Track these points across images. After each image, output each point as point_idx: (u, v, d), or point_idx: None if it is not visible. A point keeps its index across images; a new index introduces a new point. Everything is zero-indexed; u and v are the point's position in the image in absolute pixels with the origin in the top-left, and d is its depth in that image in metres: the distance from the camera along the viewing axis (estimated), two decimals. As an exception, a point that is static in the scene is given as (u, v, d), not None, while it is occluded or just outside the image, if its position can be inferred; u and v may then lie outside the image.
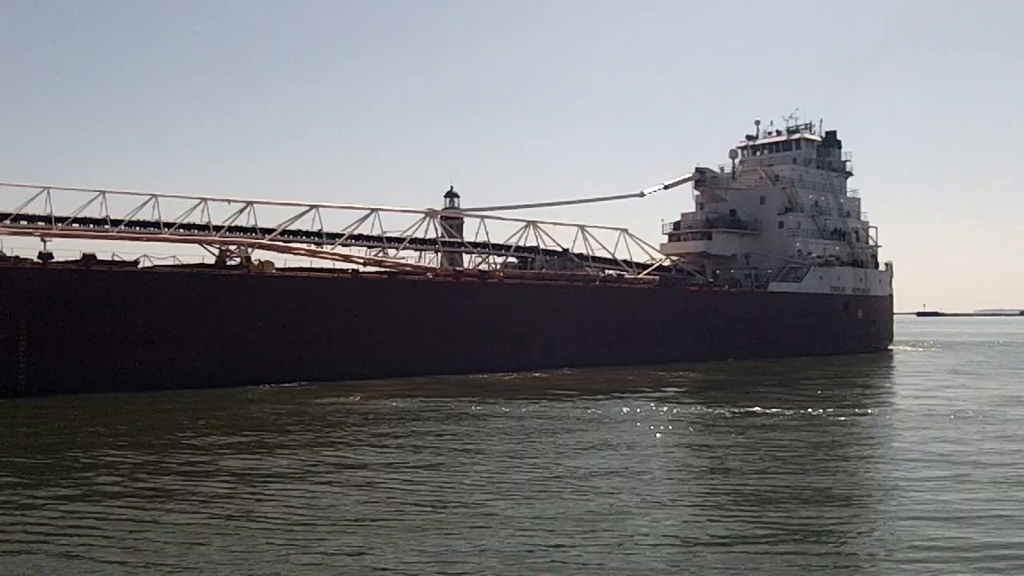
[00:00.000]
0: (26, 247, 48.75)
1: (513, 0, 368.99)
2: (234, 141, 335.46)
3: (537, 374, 55.12)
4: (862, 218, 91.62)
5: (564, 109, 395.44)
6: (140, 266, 47.79)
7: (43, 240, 46.79)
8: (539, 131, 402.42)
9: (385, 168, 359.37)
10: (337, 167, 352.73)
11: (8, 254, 44.32)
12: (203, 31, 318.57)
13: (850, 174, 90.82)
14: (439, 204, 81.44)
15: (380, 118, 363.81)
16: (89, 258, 45.36)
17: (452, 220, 68.74)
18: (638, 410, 37.11)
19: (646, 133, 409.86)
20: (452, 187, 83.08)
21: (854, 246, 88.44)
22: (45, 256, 44.41)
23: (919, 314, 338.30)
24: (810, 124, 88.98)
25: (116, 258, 46.72)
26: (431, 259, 66.42)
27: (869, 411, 38.18)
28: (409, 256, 65.28)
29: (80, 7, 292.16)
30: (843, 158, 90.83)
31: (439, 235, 66.60)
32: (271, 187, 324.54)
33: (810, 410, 37.03)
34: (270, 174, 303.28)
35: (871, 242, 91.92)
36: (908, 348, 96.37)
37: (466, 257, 69.71)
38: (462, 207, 78.69)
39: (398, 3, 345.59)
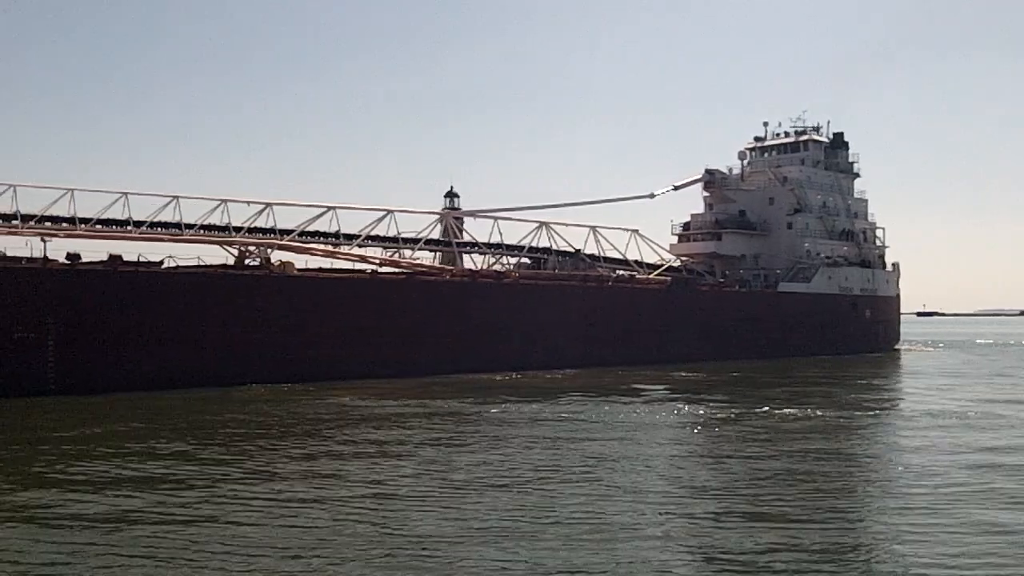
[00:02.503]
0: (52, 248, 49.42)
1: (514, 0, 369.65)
2: (233, 141, 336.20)
3: (556, 373, 55.67)
4: (869, 219, 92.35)
5: (566, 110, 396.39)
6: (164, 267, 48.44)
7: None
8: (542, 132, 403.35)
9: (385, 168, 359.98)
10: (337, 167, 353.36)
11: (36, 255, 44.97)
12: (202, 31, 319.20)
13: (857, 175, 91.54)
14: (439, 204, 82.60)
15: (380, 118, 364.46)
16: (115, 259, 46.01)
17: (454, 220, 69.03)
18: (659, 411, 37.75)
19: (646, 134, 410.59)
20: (452, 187, 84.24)
21: (862, 247, 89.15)
22: (73, 257, 45.03)
23: (919, 314, 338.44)
24: (818, 126, 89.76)
25: (142, 259, 47.38)
26: (438, 259, 67.05)
27: (900, 415, 38.72)
28: (423, 257, 66.18)
29: (80, 7, 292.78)
30: (850, 159, 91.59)
31: (451, 236, 67.14)
32: (270, 187, 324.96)
33: (836, 413, 37.54)
34: (269, 174, 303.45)
35: (878, 243, 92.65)
36: (916, 348, 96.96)
37: (478, 258, 70.17)
38: (462, 207, 79.52)
39: (398, 3, 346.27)
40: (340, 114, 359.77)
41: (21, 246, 46.16)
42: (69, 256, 45.13)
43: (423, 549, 16.35)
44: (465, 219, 71.46)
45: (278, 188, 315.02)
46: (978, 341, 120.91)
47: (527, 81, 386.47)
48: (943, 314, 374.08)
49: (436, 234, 66.59)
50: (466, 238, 69.08)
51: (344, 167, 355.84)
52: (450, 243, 66.71)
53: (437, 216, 67.05)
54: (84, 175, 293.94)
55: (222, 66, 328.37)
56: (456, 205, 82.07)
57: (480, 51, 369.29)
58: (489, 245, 68.17)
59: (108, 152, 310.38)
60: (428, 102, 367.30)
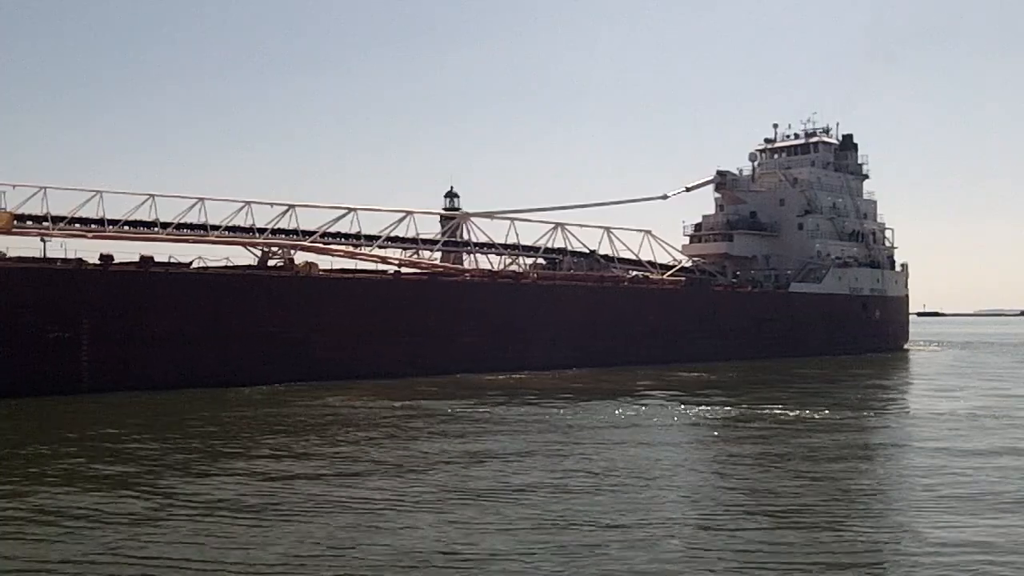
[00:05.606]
0: (81, 249, 50.18)
1: None
2: (234, 140, 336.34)
3: (576, 372, 56.41)
4: (878, 220, 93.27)
5: (572, 111, 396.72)
6: (194, 267, 49.25)
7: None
8: (547, 133, 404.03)
9: (386, 168, 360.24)
10: (338, 167, 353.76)
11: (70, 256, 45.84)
12: (201, 30, 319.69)
13: (866, 176, 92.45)
14: (439, 204, 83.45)
15: (381, 118, 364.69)
16: (147, 260, 46.73)
17: (450, 220, 69.54)
18: (685, 410, 38.50)
19: (657, 135, 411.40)
20: (452, 187, 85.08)
21: (871, 247, 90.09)
22: (106, 258, 45.75)
23: (919, 314, 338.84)
24: (827, 127, 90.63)
25: (172, 259, 48.19)
26: (445, 261, 67.57)
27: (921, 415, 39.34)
28: (435, 257, 66.88)
29: (83, 6, 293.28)
30: (859, 161, 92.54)
31: (468, 236, 67.70)
32: (270, 187, 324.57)
33: (864, 415, 38.22)
34: (268, 174, 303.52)
35: (887, 243, 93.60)
36: (923, 348, 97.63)
37: (493, 258, 70.61)
38: (462, 207, 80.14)
39: (399, 4, 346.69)
40: (341, 114, 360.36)
41: (33, 247, 47.29)
42: (102, 257, 45.86)
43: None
44: (465, 220, 71.85)
45: (279, 188, 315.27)
46: (982, 341, 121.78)
47: (533, 82, 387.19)
48: (943, 314, 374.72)
49: (434, 235, 67.28)
50: (470, 239, 69.24)
51: (345, 167, 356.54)
52: (467, 243, 67.35)
53: (449, 218, 67.85)
54: (85, 175, 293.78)
55: (219, 66, 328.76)
56: (456, 205, 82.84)
57: (482, 51, 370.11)
58: (505, 246, 68.81)
59: (115, 151, 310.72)
60: (430, 102, 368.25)
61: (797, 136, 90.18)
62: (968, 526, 18.34)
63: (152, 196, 54.34)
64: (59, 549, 16.56)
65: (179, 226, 55.28)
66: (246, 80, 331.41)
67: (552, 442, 28.70)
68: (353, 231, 61.27)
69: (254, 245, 56.08)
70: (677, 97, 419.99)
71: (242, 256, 54.21)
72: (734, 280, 79.11)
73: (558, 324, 61.34)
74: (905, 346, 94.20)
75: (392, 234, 62.56)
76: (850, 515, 19.42)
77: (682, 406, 38.84)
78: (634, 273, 72.48)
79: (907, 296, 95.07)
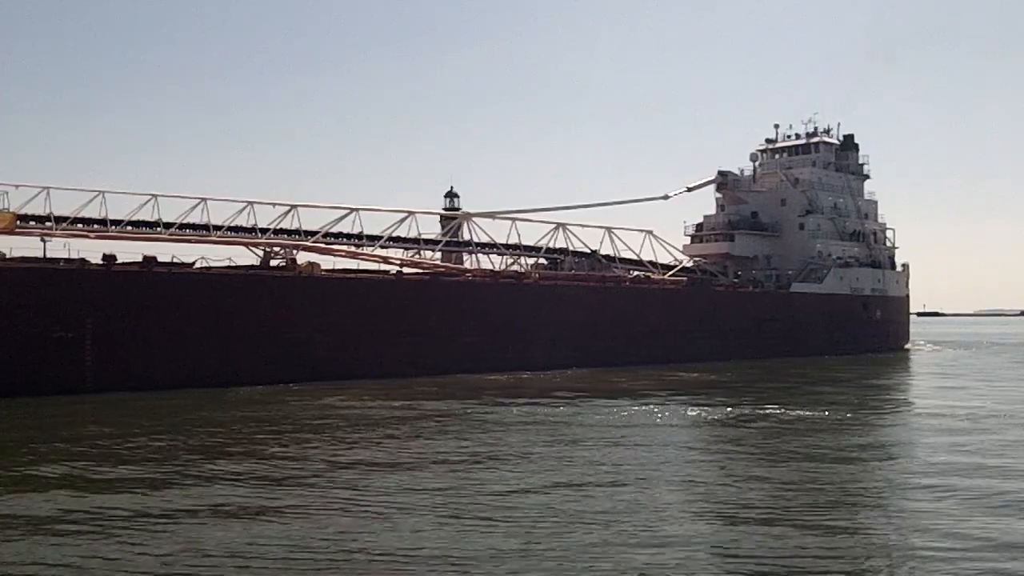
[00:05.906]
0: (84, 249, 50.27)
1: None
2: (235, 140, 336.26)
3: (578, 372, 56.52)
4: (879, 220, 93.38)
5: (574, 111, 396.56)
6: (196, 267, 49.40)
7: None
8: (549, 133, 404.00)
9: (385, 168, 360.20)
10: (338, 167, 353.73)
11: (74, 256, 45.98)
12: (201, 30, 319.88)
13: (867, 177, 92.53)
14: (439, 204, 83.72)
15: (381, 117, 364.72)
16: (150, 260, 46.87)
17: (450, 220, 69.63)
18: (690, 410, 38.62)
19: (658, 135, 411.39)
20: (452, 187, 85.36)
21: (872, 247, 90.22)
22: (109, 258, 45.89)
23: (919, 314, 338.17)
24: (828, 128, 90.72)
25: (175, 260, 48.34)
26: (444, 260, 67.73)
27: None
28: (435, 257, 67.07)
29: (83, 6, 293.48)
30: (860, 161, 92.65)
31: (470, 236, 67.84)
32: (271, 187, 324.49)
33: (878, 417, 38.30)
34: (270, 173, 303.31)
35: (888, 243, 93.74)
36: (924, 348, 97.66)
37: (495, 258, 70.68)
38: (462, 207, 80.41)
39: (399, 3, 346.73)
40: (341, 114, 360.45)
41: (36, 247, 47.42)
42: (105, 257, 46.01)
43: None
44: (466, 220, 71.88)
45: (279, 188, 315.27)
46: (982, 341, 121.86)
47: (533, 82, 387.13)
48: (943, 314, 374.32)
49: (436, 235, 67.52)
50: (472, 239, 69.29)
51: (345, 167, 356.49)
52: (469, 243, 67.46)
53: (450, 218, 67.98)
54: (82, 175, 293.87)
55: (220, 65, 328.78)
56: (456, 205, 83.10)
57: (482, 51, 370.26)
58: (506, 246, 68.93)
59: (111, 151, 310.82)
60: (430, 102, 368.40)
61: (798, 136, 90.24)
62: (969, 526, 18.41)
63: (154, 196, 54.52)
64: (59, 550, 16.67)
65: (182, 226, 55.44)
66: (246, 80, 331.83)
67: (552, 442, 28.85)
68: (355, 231, 61.53)
69: (256, 245, 56.22)
70: (677, 97, 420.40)
71: (244, 256, 54.51)
72: (735, 280, 79.25)
73: (559, 324, 61.46)
74: (906, 346, 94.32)
75: (394, 234, 62.81)
76: (851, 515, 19.54)
77: (683, 406, 38.94)
78: (635, 273, 72.68)
79: (908, 296, 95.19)
